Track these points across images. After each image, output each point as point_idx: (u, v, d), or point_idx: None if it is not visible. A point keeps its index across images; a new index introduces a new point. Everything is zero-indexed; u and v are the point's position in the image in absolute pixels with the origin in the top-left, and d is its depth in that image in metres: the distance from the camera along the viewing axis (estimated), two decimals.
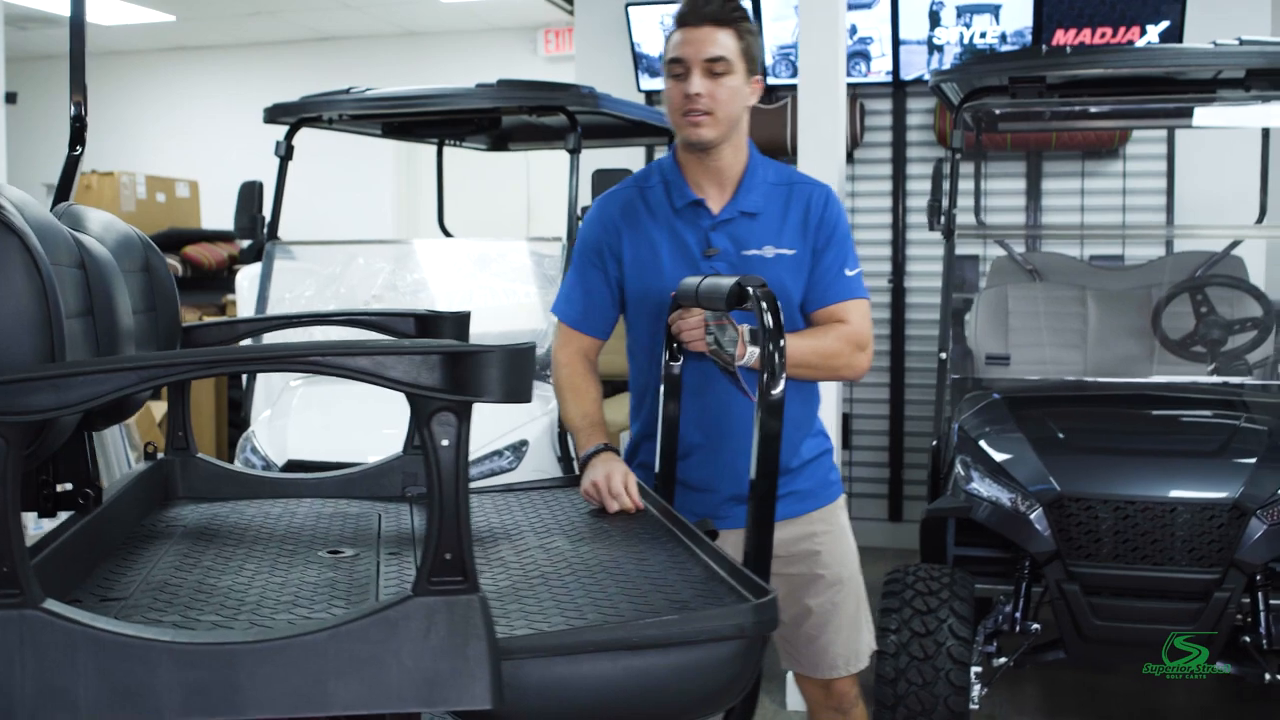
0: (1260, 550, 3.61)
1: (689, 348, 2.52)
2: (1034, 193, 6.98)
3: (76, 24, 2.65)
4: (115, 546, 2.11)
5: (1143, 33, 6.59)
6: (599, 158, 6.99)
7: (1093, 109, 4.97)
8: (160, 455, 2.57)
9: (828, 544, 2.92)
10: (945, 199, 4.62)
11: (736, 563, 1.93)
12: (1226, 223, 6.11)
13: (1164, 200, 6.80)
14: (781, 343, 1.99)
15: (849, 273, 2.77)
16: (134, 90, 11.46)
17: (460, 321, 2.67)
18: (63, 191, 2.51)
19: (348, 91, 4.95)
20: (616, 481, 2.42)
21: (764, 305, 2.03)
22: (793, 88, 5.99)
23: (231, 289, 7.61)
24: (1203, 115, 5.18)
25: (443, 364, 1.47)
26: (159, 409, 6.26)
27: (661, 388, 2.60)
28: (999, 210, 6.99)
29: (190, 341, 2.57)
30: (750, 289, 2.08)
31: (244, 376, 5.30)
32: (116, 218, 2.41)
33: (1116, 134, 6.63)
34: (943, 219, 4.56)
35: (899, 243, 7.06)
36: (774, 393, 1.95)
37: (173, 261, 8.76)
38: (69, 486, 2.16)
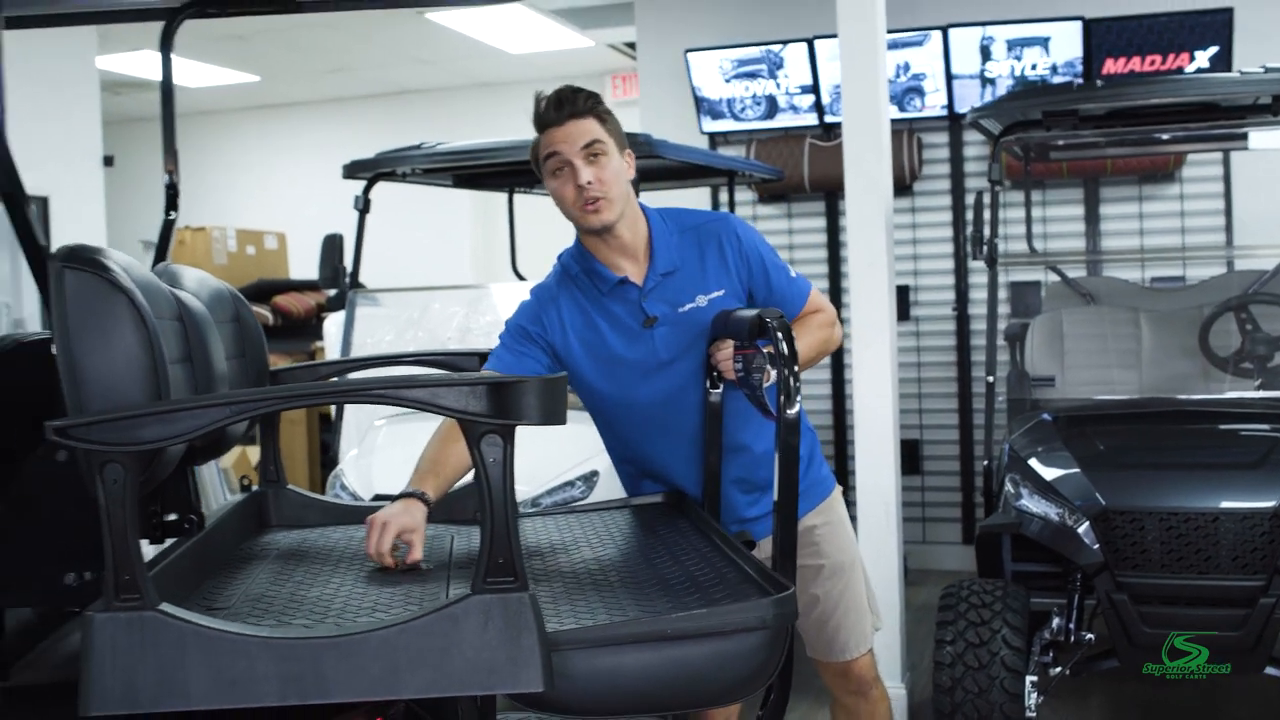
0: None
1: (722, 376, 2.74)
2: (1093, 217, 7.10)
3: (167, 98, 2.94)
4: (217, 566, 2.37)
5: (1191, 59, 6.70)
6: (664, 199, 7.26)
7: (1137, 136, 5.12)
8: (255, 488, 2.84)
9: (826, 535, 3.12)
10: (987, 229, 4.80)
11: (766, 566, 2.15)
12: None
13: (1223, 220, 6.89)
14: (796, 368, 2.20)
15: (793, 275, 2.97)
16: (222, 148, 11.93)
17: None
18: (160, 253, 2.80)
19: (419, 147, 5.25)
20: (387, 539, 2.31)
21: (779, 335, 2.25)
22: None
23: (320, 336, 7.95)
24: (1254, 139, 5.32)
25: (488, 393, 1.71)
26: (254, 453, 6.60)
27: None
28: (1059, 236, 7.13)
29: (277, 383, 2.83)
30: (768, 321, 2.30)
31: (333, 419, 5.60)
32: (209, 274, 2.69)
33: (1172, 158, 6.74)
34: (985, 248, 4.75)
35: (961, 271, 7.21)
36: (790, 413, 2.17)
37: (263, 311, 9.12)
38: (174, 516, 2.43)
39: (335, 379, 2.59)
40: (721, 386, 2.79)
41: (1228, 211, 6.88)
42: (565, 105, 2.73)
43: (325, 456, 7.86)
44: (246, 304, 2.76)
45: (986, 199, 4.86)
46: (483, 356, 2.98)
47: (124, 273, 1.93)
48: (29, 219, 1.94)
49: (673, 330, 2.84)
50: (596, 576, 2.23)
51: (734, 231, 2.93)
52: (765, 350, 2.47)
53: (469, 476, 2.81)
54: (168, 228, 2.86)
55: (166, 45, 2.89)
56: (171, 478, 2.31)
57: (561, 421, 1.76)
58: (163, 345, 1.93)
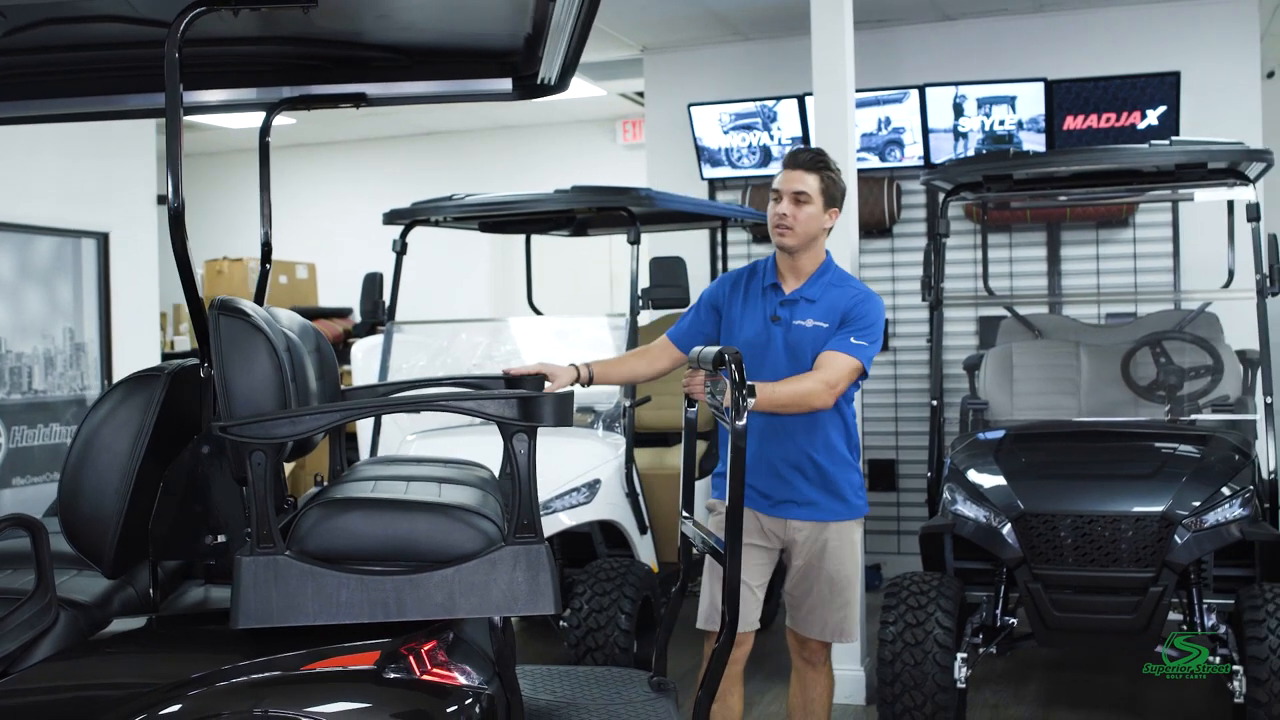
0: (1186, 552, 4.50)
1: (694, 398, 3.50)
2: (1054, 259, 7.87)
3: (264, 168, 3.68)
4: None
5: (1143, 117, 7.47)
6: (668, 238, 8.02)
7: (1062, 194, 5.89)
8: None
9: (833, 549, 3.88)
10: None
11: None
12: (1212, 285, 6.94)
13: (1170, 263, 7.65)
14: (745, 392, 2.97)
15: (854, 340, 3.75)
16: (257, 184, 12.70)
17: (538, 381, 3.70)
18: (259, 298, 3.56)
19: (450, 198, 6.01)
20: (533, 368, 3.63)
21: (733, 367, 3.01)
22: None
23: (347, 360, 8.70)
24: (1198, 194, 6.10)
25: (518, 404, 2.50)
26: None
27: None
28: (1024, 275, 7.89)
29: (348, 399, 3.59)
30: (726, 356, 3.06)
31: (372, 435, 6.35)
32: (297, 314, 3.45)
33: (1124, 206, 7.49)
34: (930, 292, 5.53)
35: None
36: (739, 424, 2.94)
37: None
38: None
39: (403, 394, 3.36)
40: (696, 407, 3.55)
41: (1175, 255, 7.63)
42: (798, 158, 3.89)
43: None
44: (325, 338, 3.53)
45: (933, 247, 5.62)
46: (507, 381, 3.71)
47: (257, 317, 2.71)
48: (194, 282, 2.69)
49: (785, 332, 3.83)
50: None
51: (859, 298, 3.85)
52: (727, 378, 3.23)
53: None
54: (264, 277, 3.62)
55: (265, 131, 3.65)
56: None
57: (569, 424, 2.54)
58: (288, 368, 2.70)
